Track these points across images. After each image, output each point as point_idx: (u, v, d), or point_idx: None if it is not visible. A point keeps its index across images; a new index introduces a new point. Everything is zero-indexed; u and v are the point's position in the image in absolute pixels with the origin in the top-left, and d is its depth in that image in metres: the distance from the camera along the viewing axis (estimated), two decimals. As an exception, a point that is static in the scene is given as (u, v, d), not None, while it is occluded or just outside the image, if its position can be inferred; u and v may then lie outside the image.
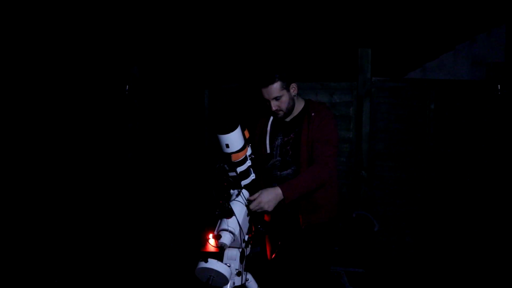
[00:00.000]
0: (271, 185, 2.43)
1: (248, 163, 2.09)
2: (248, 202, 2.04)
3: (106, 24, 5.69)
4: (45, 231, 4.48)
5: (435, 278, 3.74)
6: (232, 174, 2.06)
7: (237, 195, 2.04)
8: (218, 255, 1.84)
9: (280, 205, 2.14)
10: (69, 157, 4.72)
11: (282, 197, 2.10)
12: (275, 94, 2.32)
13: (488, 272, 3.73)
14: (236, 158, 2.03)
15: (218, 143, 2.03)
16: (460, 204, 4.10)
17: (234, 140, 1.99)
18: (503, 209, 3.99)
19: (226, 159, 2.04)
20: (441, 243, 4.13)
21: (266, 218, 2.54)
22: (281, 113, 2.38)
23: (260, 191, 2.07)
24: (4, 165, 4.65)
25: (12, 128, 4.71)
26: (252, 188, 2.11)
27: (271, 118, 2.50)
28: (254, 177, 2.13)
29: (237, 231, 1.92)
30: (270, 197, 2.06)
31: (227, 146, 1.99)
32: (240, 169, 2.06)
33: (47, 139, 4.73)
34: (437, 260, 4.06)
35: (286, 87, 2.34)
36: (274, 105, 2.35)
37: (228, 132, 1.96)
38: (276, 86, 2.31)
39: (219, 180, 2.04)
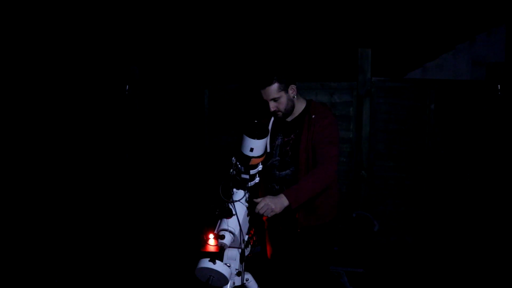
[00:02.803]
0: (271, 184, 2.44)
1: (260, 168, 2.14)
2: (253, 204, 2.05)
3: (106, 24, 5.69)
4: (45, 231, 4.48)
5: (435, 278, 3.74)
6: (245, 176, 2.09)
7: (243, 196, 2.05)
8: (218, 255, 1.85)
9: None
10: (69, 157, 4.72)
11: (287, 203, 2.10)
12: (273, 95, 2.33)
13: (489, 271, 3.72)
14: (254, 162, 2.07)
15: (240, 143, 2.05)
16: (460, 204, 4.10)
17: (260, 146, 2.05)
18: (503, 209, 3.99)
19: (243, 160, 2.06)
20: (441, 243, 4.13)
21: (264, 218, 2.54)
22: (280, 113, 2.39)
23: (263, 197, 2.09)
24: (4, 165, 4.66)
25: (11, 127, 4.72)
26: (253, 190, 2.14)
27: (273, 117, 2.50)
28: (258, 181, 2.17)
29: (237, 231, 1.92)
30: (275, 200, 2.08)
31: (251, 150, 2.03)
32: (252, 172, 2.10)
33: (46, 139, 4.73)
34: (437, 260, 4.06)
35: (284, 88, 2.34)
36: (272, 105, 2.35)
37: (259, 138, 2.02)
38: (274, 87, 2.31)
39: (227, 179, 2.04)
